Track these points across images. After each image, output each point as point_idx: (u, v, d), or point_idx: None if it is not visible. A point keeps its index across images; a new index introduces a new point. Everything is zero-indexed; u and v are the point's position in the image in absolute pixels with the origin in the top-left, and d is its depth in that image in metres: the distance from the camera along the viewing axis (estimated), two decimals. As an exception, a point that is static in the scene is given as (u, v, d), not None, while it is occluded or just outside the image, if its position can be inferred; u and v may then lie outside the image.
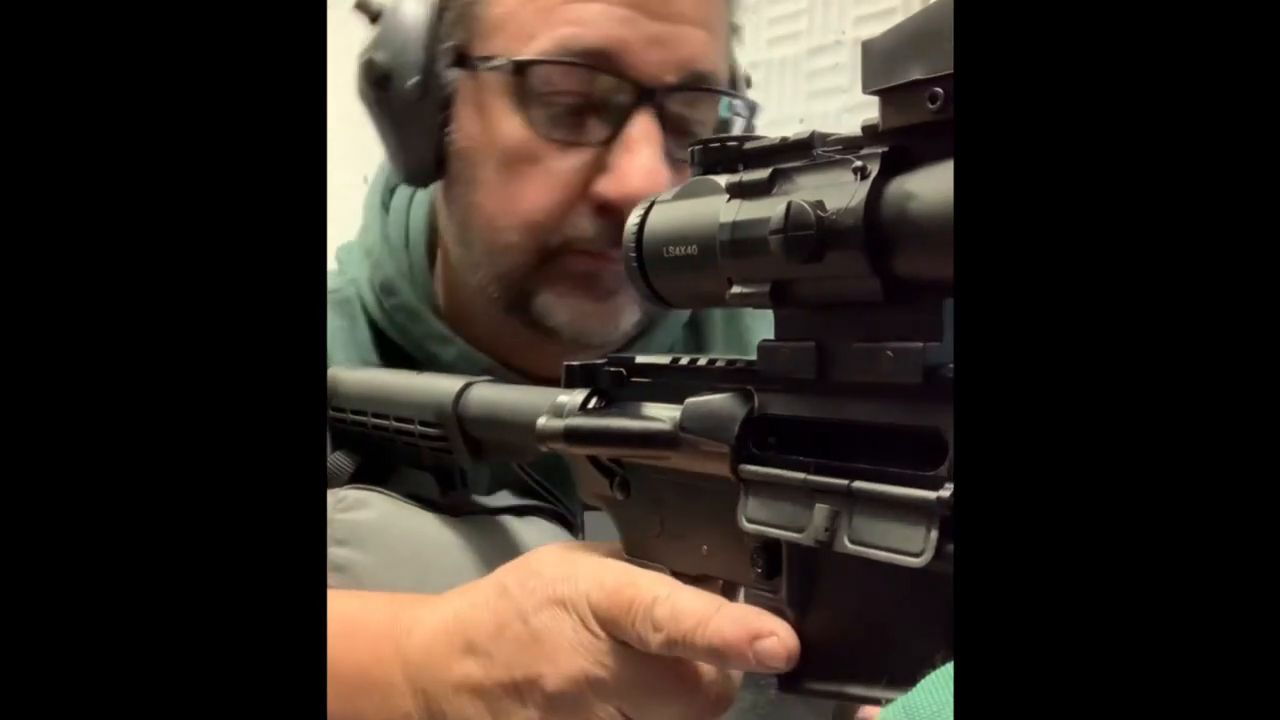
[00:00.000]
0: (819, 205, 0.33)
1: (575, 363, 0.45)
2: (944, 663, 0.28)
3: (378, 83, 0.60)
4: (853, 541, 0.33)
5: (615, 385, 0.45)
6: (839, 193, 0.33)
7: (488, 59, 0.58)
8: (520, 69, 0.57)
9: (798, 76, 1.04)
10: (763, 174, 0.36)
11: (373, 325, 0.68)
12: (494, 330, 0.65)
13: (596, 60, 0.56)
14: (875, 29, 0.32)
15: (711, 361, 0.41)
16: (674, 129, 0.59)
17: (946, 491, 0.31)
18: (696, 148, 0.39)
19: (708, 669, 0.41)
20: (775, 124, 1.13)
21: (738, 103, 0.63)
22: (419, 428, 0.57)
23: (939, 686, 0.26)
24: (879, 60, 0.32)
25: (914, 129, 0.31)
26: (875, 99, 0.32)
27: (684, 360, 0.42)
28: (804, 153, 0.36)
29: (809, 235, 0.33)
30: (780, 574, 0.37)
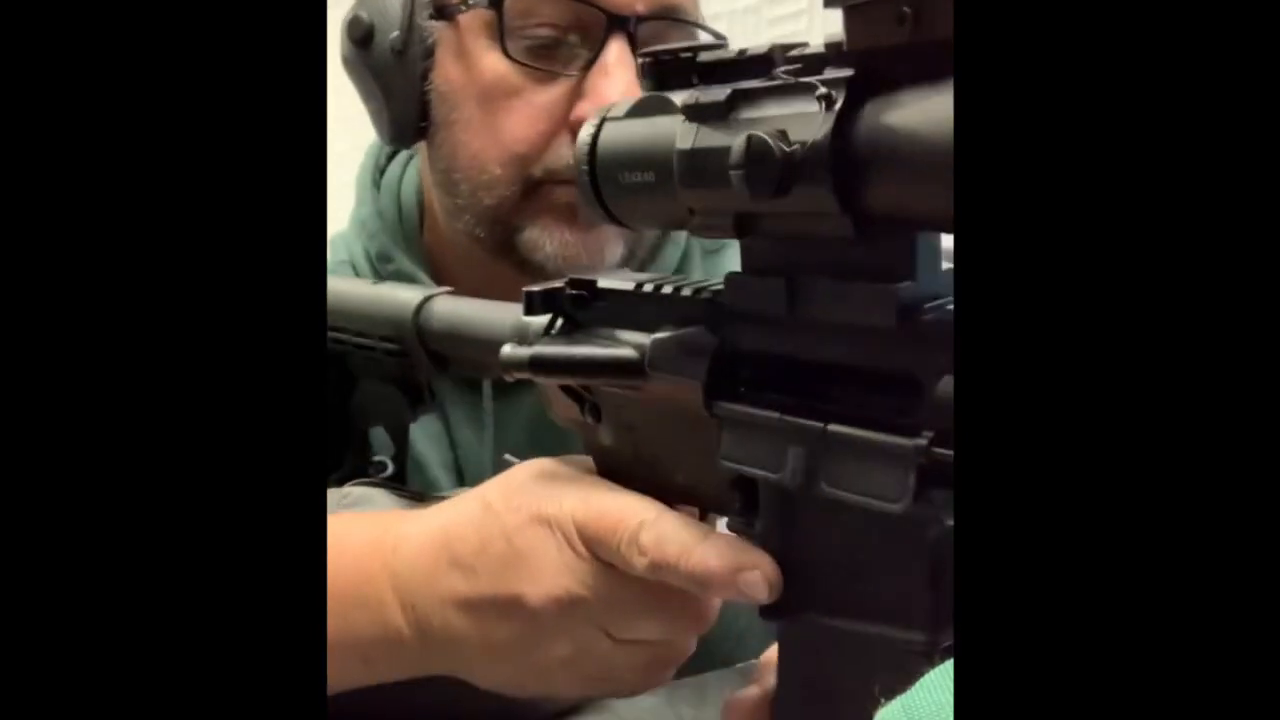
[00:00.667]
0: (782, 137, 0.30)
1: (535, 287, 0.44)
2: (933, 601, 0.27)
3: (361, 41, 0.62)
4: (829, 485, 0.33)
5: (579, 308, 0.43)
6: (804, 123, 0.30)
7: (465, 3, 0.60)
8: (497, 2, 0.58)
9: None
10: (720, 94, 0.33)
11: None
12: (483, 286, 0.64)
13: None
14: None
15: (677, 289, 0.39)
16: None
17: (924, 440, 0.30)
18: (647, 60, 0.36)
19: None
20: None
21: (706, 38, 0.63)
22: (380, 343, 0.56)
23: (938, 686, 0.25)
24: (842, -28, 0.29)
25: (882, 51, 0.29)
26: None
27: (648, 286, 0.40)
28: (764, 69, 0.33)
29: (771, 170, 0.30)
30: (756, 507, 0.37)
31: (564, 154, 0.59)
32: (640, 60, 0.37)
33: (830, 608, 0.35)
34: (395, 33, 0.61)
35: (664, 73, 0.36)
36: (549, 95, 0.60)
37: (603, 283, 0.42)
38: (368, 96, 0.64)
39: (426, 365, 0.54)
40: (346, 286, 0.60)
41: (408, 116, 0.63)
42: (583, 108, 0.58)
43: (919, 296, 0.31)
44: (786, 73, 0.32)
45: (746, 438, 0.35)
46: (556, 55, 0.60)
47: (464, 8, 0.60)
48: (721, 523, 0.40)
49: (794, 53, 0.32)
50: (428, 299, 0.53)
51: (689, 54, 0.36)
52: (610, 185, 0.38)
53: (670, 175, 0.34)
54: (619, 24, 0.58)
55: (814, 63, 0.31)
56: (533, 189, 0.61)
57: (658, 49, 0.36)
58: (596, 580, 0.40)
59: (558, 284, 0.43)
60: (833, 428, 0.32)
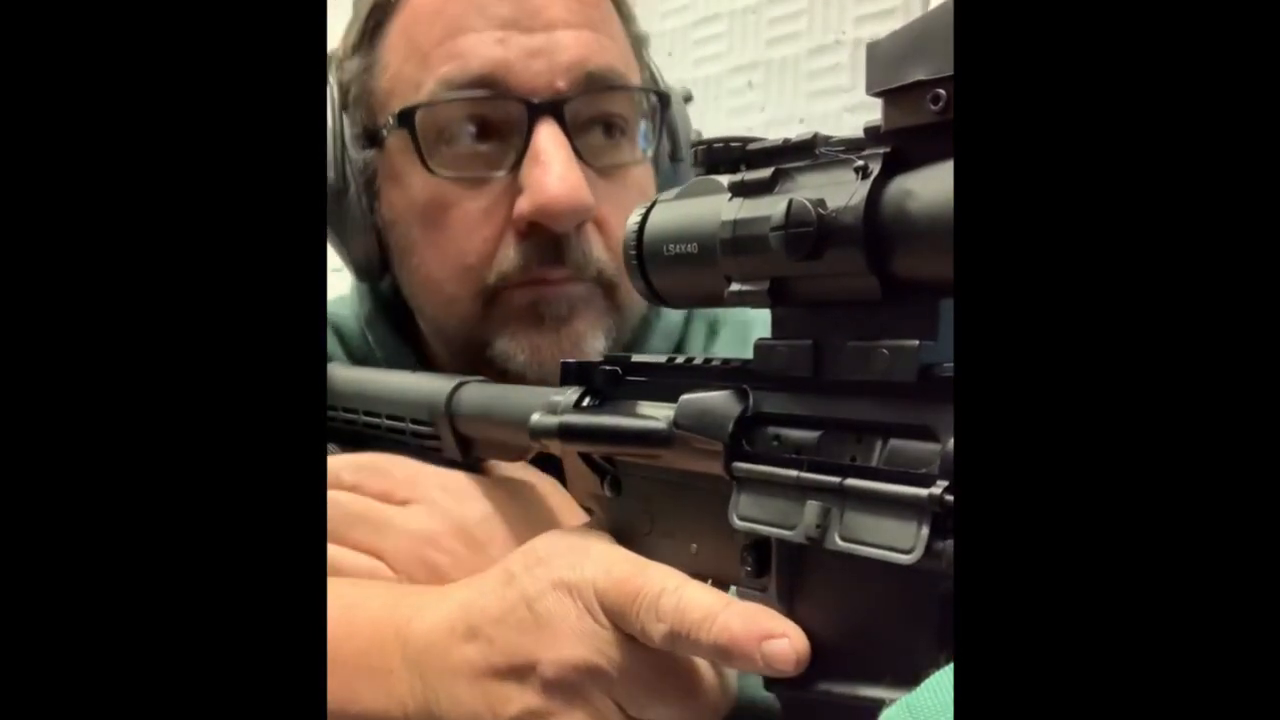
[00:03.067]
0: (820, 203, 0.33)
1: (571, 360, 0.46)
2: (946, 662, 0.27)
3: None
4: (843, 539, 0.33)
5: (610, 383, 0.45)
6: (840, 191, 0.33)
7: (384, 125, 0.58)
8: (407, 119, 0.57)
9: (798, 76, 1.03)
10: (765, 173, 0.36)
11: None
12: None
13: (481, 87, 0.56)
14: (875, 29, 0.33)
15: (707, 360, 0.41)
16: (585, 129, 0.59)
17: (938, 489, 0.31)
18: (700, 148, 0.40)
19: (708, 673, 0.41)
20: (775, 124, 1.11)
21: (647, 96, 0.62)
22: (410, 425, 0.57)
23: (943, 686, 0.26)
24: (883, 62, 0.32)
25: (916, 130, 0.32)
26: (877, 102, 0.33)
27: (680, 359, 0.42)
28: (807, 154, 0.36)
29: (809, 232, 0.33)
30: (769, 572, 0.37)
31: (510, 254, 0.57)
32: (694, 148, 0.40)
33: (838, 675, 0.35)
34: (331, 174, 0.59)
35: (714, 159, 0.40)
36: (485, 199, 0.57)
37: (635, 358, 0.44)
38: (330, 237, 0.63)
39: (453, 449, 0.55)
40: (384, 375, 0.62)
41: (367, 254, 0.62)
42: (520, 203, 0.56)
43: (939, 355, 0.32)
44: (828, 152, 0.35)
45: (764, 497, 0.36)
46: (485, 156, 0.57)
47: (385, 133, 0.58)
48: (732, 590, 0.40)
49: (836, 138, 0.36)
50: (462, 384, 0.55)
51: (738, 143, 0.39)
52: (654, 259, 0.40)
53: (713, 245, 0.37)
54: (542, 109, 0.55)
55: (854, 145, 0.35)
56: (491, 298, 0.59)
57: (709, 139, 0.40)
58: (614, 651, 0.40)
59: (593, 359, 0.45)
60: (850, 481, 0.33)
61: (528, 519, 0.52)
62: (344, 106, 0.60)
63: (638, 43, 0.63)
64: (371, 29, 0.59)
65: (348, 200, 0.60)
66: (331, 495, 0.53)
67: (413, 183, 0.58)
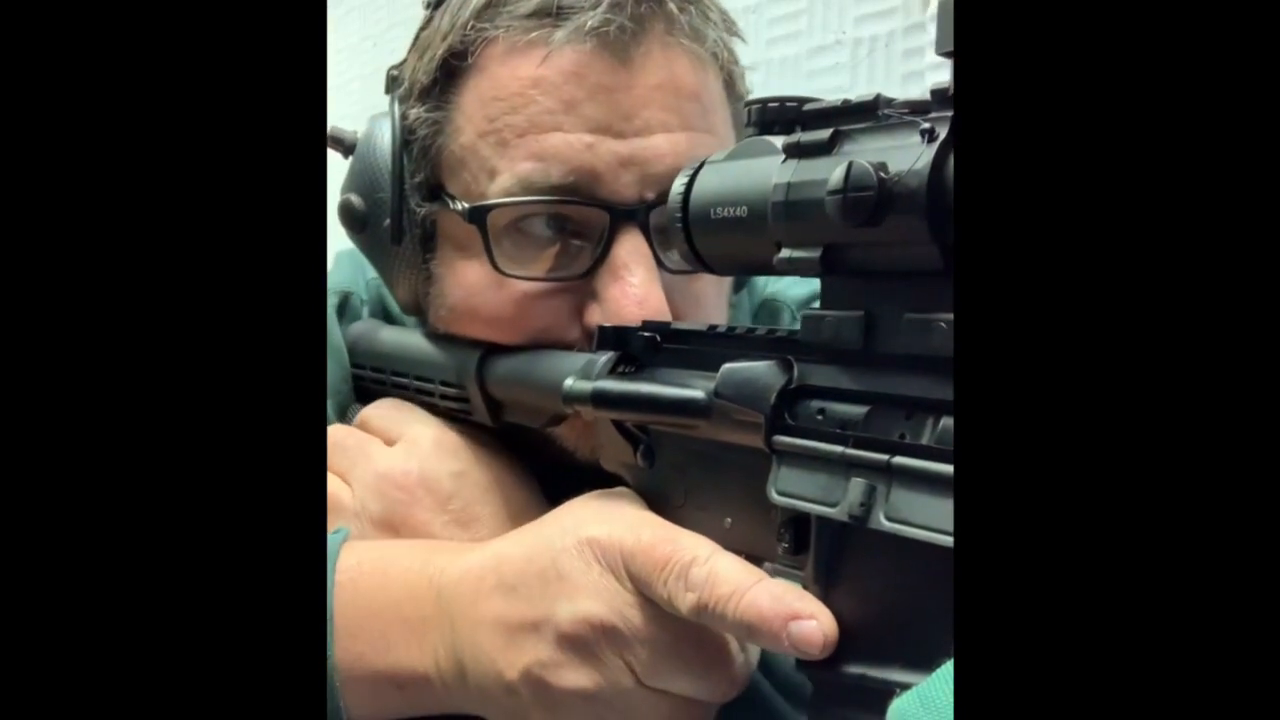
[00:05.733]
0: (881, 166, 0.32)
1: (608, 324, 0.44)
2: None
3: (356, 226, 0.57)
4: (889, 519, 0.32)
5: (647, 350, 0.44)
6: (904, 155, 0.31)
7: (452, 198, 0.53)
8: (478, 217, 0.51)
9: (798, 76, 1.01)
10: (823, 134, 0.35)
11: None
12: None
13: (564, 194, 0.50)
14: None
15: (750, 329, 0.40)
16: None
17: (994, 470, 0.29)
18: (755, 106, 0.38)
19: (732, 647, 0.40)
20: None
21: None
22: (439, 387, 0.56)
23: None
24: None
25: (987, 92, 0.30)
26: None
27: (721, 328, 0.41)
28: (868, 115, 0.34)
29: (869, 197, 0.31)
30: (808, 550, 0.36)
31: (576, 337, 0.52)
32: (746, 107, 0.39)
33: (874, 659, 0.34)
34: (387, 220, 0.55)
35: (768, 119, 0.38)
36: (555, 300, 0.52)
37: (675, 325, 0.43)
38: (376, 270, 0.60)
39: (483, 412, 0.54)
40: (413, 335, 0.61)
41: (417, 294, 0.58)
42: (594, 313, 0.50)
43: (1000, 331, 0.31)
44: (891, 113, 0.33)
45: (805, 472, 0.35)
46: (559, 256, 0.52)
47: (450, 205, 0.53)
48: (767, 567, 0.39)
49: (899, 100, 0.34)
50: (494, 347, 0.54)
51: (794, 103, 0.37)
52: (700, 222, 0.39)
53: (763, 209, 0.36)
54: (627, 217, 0.50)
55: (920, 108, 0.33)
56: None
57: (763, 97, 0.38)
58: (633, 613, 0.39)
59: (631, 325, 0.44)
60: (898, 460, 0.32)
61: (507, 486, 0.53)
62: (405, 145, 0.55)
63: (730, 100, 0.56)
64: (444, 79, 0.53)
65: (402, 249, 0.56)
66: (337, 427, 0.56)
67: (476, 271, 0.53)
